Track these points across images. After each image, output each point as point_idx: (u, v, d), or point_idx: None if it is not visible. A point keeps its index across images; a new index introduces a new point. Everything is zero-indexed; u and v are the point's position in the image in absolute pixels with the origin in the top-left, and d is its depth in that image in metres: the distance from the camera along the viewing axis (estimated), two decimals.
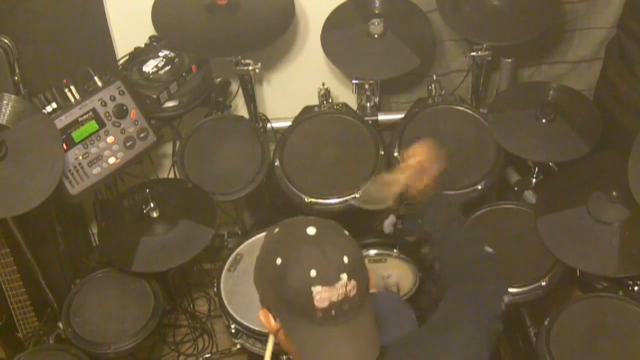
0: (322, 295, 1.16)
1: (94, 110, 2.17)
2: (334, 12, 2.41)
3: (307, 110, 2.46)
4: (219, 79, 2.49)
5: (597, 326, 1.94)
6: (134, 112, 2.23)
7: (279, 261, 1.17)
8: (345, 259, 1.18)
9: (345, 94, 2.66)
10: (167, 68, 2.31)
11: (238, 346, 2.13)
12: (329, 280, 1.16)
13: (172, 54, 2.33)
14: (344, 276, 1.17)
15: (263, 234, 2.22)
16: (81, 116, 2.14)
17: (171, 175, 2.57)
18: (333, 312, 1.17)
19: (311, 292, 1.15)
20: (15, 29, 2.23)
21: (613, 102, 2.30)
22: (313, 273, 1.15)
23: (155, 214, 2.23)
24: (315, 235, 1.19)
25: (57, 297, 2.32)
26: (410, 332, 1.54)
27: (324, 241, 1.19)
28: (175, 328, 2.78)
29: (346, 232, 1.25)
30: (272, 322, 1.24)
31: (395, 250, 2.33)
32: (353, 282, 1.18)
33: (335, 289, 1.16)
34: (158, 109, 2.30)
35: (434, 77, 2.48)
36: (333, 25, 2.39)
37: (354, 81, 2.43)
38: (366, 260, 1.49)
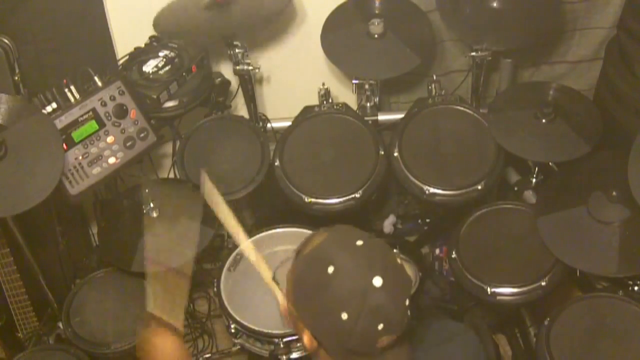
0: (385, 342, 1.16)
1: (94, 110, 2.17)
2: (334, 12, 2.41)
3: (307, 110, 2.46)
4: (219, 79, 2.49)
5: (597, 326, 1.94)
6: (134, 112, 2.23)
7: (344, 316, 1.13)
8: (407, 302, 1.16)
9: (345, 94, 2.65)
10: (167, 68, 2.31)
11: (238, 346, 2.12)
12: (395, 330, 1.16)
13: (172, 54, 2.33)
14: (406, 319, 1.17)
15: (263, 234, 2.26)
16: (81, 116, 2.14)
17: (171, 175, 2.57)
18: (390, 344, 1.18)
19: (376, 342, 1.15)
20: (15, 29, 2.23)
21: (613, 102, 2.30)
22: (381, 327, 1.14)
23: (155, 214, 2.23)
24: (382, 286, 1.14)
25: (57, 297, 2.31)
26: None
27: (391, 293, 1.14)
28: None
29: (399, 260, 1.20)
30: (315, 345, 1.22)
31: (395, 250, 2.34)
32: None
33: (398, 333, 1.17)
34: (158, 109, 2.30)
35: (434, 77, 2.48)
36: (333, 25, 2.39)
37: (354, 81, 2.43)
38: None
